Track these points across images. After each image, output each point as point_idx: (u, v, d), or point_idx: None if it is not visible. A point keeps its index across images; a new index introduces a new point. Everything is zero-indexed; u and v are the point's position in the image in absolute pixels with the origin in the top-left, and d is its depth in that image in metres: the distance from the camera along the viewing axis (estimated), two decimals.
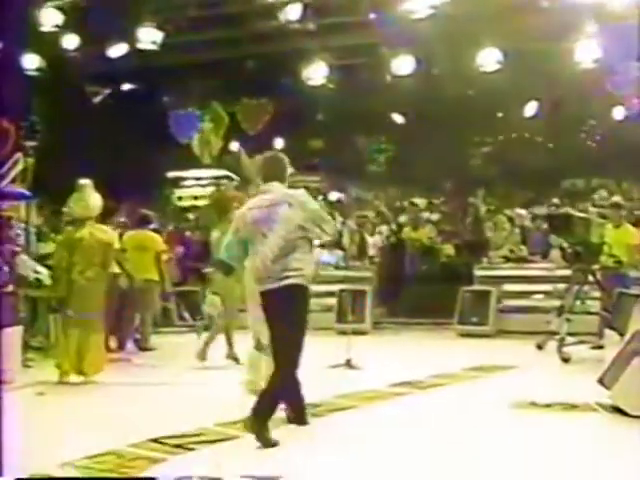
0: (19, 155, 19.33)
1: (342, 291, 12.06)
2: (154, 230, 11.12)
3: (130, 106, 18.72)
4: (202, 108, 19.77)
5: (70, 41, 14.86)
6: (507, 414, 6.16)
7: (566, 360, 8.76)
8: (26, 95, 17.49)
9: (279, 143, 23.07)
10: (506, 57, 14.68)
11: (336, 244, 12.34)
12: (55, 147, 19.18)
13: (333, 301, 12.16)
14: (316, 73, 16.42)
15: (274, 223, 5.17)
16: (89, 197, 8.08)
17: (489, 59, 14.89)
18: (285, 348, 5.27)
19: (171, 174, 19.93)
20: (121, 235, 10.32)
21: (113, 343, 10.10)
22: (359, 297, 12.02)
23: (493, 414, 6.14)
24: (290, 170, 5.51)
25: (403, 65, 15.67)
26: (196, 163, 19.86)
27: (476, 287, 12.20)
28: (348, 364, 8.33)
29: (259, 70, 17.97)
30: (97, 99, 18.74)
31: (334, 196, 19.76)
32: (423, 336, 11.89)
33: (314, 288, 7.73)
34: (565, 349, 8.87)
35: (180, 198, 19.35)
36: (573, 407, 6.27)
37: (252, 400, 5.28)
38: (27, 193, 11.63)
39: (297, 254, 5.18)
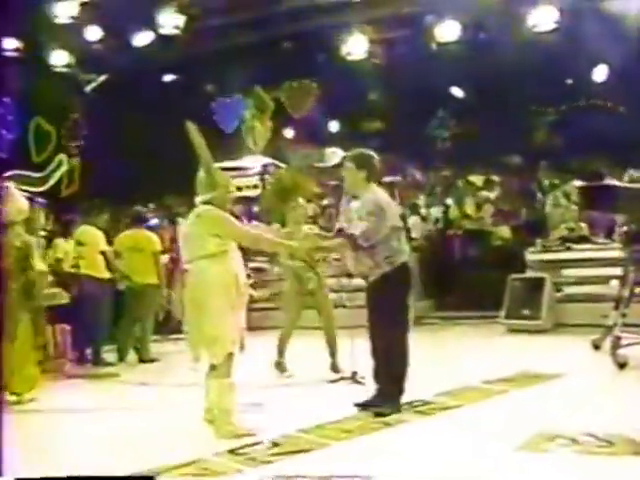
0: (62, 156, 18.83)
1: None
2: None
3: (172, 97, 17.70)
4: (246, 95, 18.58)
5: (92, 33, 13.87)
6: (522, 457, 4.49)
7: (622, 365, 7.02)
8: (63, 94, 16.93)
9: (334, 126, 21.77)
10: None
11: None
12: (98, 145, 18.58)
13: None
14: (356, 48, 14.97)
15: None
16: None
17: (544, 18, 13.11)
18: None
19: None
20: None
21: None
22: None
23: (502, 456, 4.54)
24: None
25: (449, 32, 14.06)
26: (242, 152, 18.68)
27: (527, 274, 10.47)
28: (353, 378, 6.87)
29: (298, 50, 16.59)
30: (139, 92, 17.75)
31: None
32: (467, 333, 10.31)
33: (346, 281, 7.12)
34: (622, 351, 7.15)
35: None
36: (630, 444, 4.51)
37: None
38: None
39: None
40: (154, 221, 14.78)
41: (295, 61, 16.66)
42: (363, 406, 5.68)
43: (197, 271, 5.10)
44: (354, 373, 6.79)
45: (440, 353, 8.64)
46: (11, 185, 6.59)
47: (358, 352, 6.67)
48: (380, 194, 5.70)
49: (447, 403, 5.92)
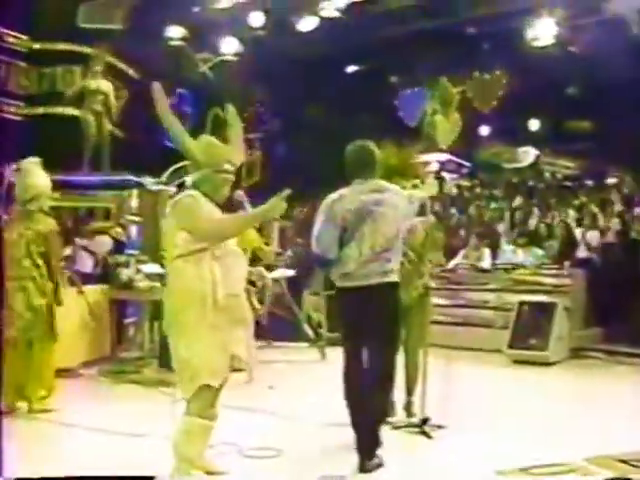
0: None
1: (522, 304, 8.65)
2: None
3: (356, 89, 16.55)
4: (430, 86, 16.96)
5: (256, 19, 13.04)
6: None
7: None
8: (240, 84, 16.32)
9: (534, 125, 19.46)
10: None
11: None
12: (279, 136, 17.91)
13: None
14: (543, 32, 12.87)
15: None
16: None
17: None
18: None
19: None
20: None
21: None
22: (544, 313, 8.49)
23: None
24: None
25: None
26: (424, 147, 17.09)
27: None
28: (421, 427, 5.08)
29: (482, 37, 14.72)
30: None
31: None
32: (631, 377, 7.89)
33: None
34: None
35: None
36: None
37: None
38: None
39: None
40: None
41: (479, 49, 14.78)
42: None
43: (171, 275, 3.81)
44: (424, 420, 5.09)
45: (583, 402, 6.29)
46: (29, 161, 5.62)
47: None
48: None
49: None
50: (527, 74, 14.93)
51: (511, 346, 8.18)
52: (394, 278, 4.27)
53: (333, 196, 4.33)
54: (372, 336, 4.22)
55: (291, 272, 7.60)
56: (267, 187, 16.44)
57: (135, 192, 9.67)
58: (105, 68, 11.20)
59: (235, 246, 3.90)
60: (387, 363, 4.28)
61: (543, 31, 12.89)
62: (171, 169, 15.79)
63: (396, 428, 4.99)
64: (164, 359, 7.16)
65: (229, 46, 14.03)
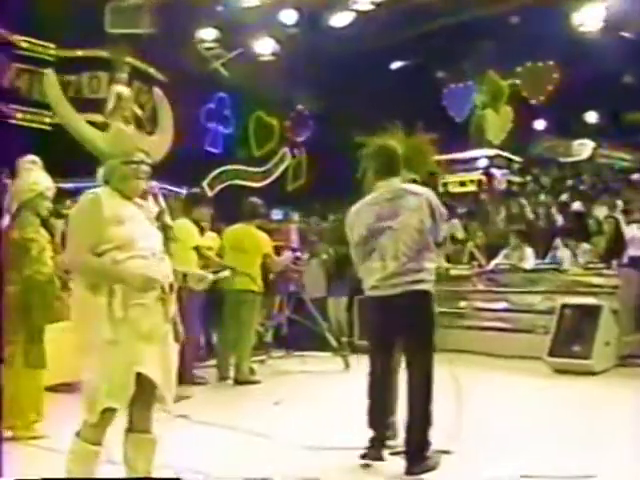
0: (285, 150, 17.75)
1: (565, 306, 7.79)
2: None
3: (401, 85, 15.81)
4: (478, 80, 16.14)
5: (288, 16, 12.51)
6: None
7: None
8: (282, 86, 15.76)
9: (590, 117, 18.38)
10: None
11: None
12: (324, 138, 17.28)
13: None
14: (591, 16, 11.96)
15: None
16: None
17: None
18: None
19: (435, 158, 16.31)
20: None
21: None
22: (588, 316, 7.62)
23: None
24: None
25: None
26: (473, 143, 16.26)
27: None
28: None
29: (529, 26, 13.80)
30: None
31: None
32: None
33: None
34: None
35: (445, 185, 15.80)
36: None
37: None
38: None
39: None
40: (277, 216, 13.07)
41: (526, 39, 13.87)
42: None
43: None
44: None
45: (631, 415, 5.39)
46: (29, 159, 5.06)
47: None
48: None
49: None
50: (579, 63, 14.00)
51: (552, 353, 7.33)
52: (424, 287, 3.97)
53: (354, 208, 4.20)
54: (403, 346, 4.06)
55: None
56: (313, 190, 15.99)
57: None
58: (132, 72, 10.85)
59: (156, 247, 3.23)
60: (419, 370, 3.96)
61: (591, 16, 11.95)
62: (212, 174, 15.59)
63: (395, 454, 4.28)
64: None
65: (263, 46, 13.55)
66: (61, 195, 9.15)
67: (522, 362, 7.53)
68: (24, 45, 10.82)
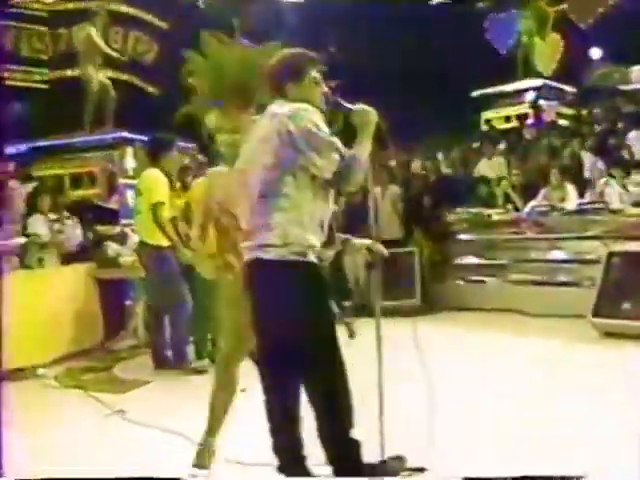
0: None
1: (613, 255, 6.08)
2: None
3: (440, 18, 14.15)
4: (521, 6, 14.31)
5: None
6: None
7: None
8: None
9: None
10: None
11: None
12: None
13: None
14: None
15: None
16: None
17: None
18: None
19: (476, 93, 14.61)
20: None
21: None
22: None
23: None
24: None
25: None
26: (520, 74, 14.50)
27: None
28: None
29: None
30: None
31: None
32: None
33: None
34: None
35: (488, 121, 14.09)
36: None
37: None
38: None
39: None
40: None
41: None
42: None
43: None
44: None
45: None
46: None
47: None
48: None
49: None
50: None
51: (597, 313, 5.90)
52: (273, 254, 2.54)
53: None
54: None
55: None
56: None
57: (130, 151, 7.98)
58: (130, 20, 9.69)
59: None
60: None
61: None
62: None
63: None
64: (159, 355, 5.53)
65: None
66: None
67: (563, 322, 6.18)
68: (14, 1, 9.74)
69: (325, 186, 2.59)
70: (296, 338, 2.55)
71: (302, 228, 2.52)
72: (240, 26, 5.12)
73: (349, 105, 2.74)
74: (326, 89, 2.77)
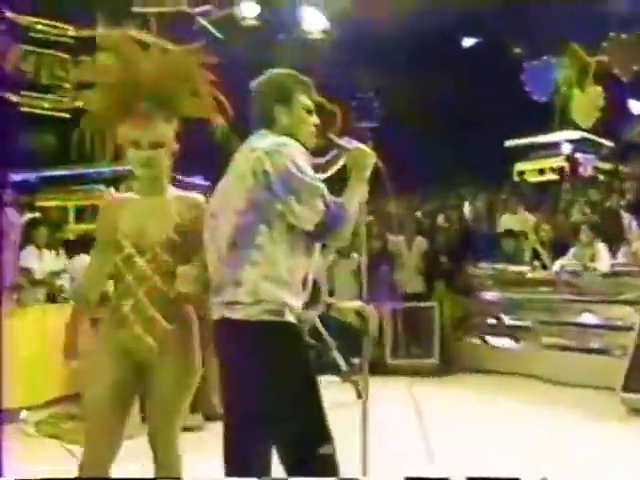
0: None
1: None
2: None
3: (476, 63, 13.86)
4: (558, 54, 13.91)
5: None
6: None
7: None
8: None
9: None
10: None
11: None
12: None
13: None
14: None
15: None
16: None
17: None
18: None
19: (510, 143, 14.18)
20: None
21: None
22: None
23: None
24: None
25: None
26: (557, 125, 14.04)
27: None
28: None
29: None
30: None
31: None
32: None
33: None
34: None
35: (521, 173, 13.58)
36: None
37: None
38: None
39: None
40: None
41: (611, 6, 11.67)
42: None
43: None
44: None
45: None
46: None
47: None
48: None
49: None
50: None
51: (627, 387, 5.34)
52: (242, 314, 2.13)
53: None
54: None
55: None
56: (379, 181, 14.28)
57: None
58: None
59: None
60: None
61: None
62: None
63: None
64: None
65: (313, 22, 11.97)
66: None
67: (588, 393, 5.64)
68: (39, 27, 9.62)
69: (307, 237, 2.20)
70: (267, 412, 2.16)
71: (277, 285, 2.10)
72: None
73: (346, 144, 2.36)
74: (318, 121, 2.39)
